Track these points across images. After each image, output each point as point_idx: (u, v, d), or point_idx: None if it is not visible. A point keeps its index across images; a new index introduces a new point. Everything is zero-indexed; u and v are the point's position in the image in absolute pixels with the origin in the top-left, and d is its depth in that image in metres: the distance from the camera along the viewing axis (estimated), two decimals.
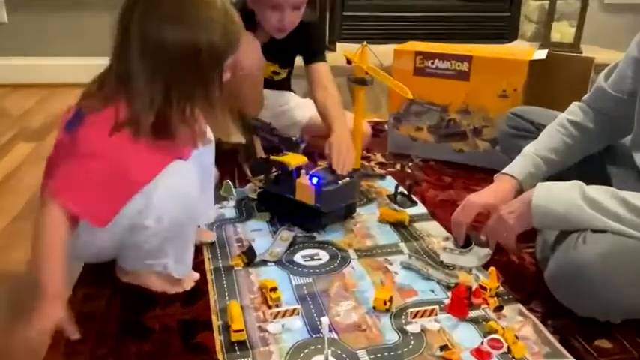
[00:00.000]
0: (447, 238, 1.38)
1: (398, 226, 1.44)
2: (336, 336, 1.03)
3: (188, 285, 1.14)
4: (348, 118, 1.65)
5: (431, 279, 1.20)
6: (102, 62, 0.97)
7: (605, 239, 1.02)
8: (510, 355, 0.99)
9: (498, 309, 1.11)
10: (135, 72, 0.90)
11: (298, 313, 1.07)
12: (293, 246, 1.33)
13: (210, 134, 1.10)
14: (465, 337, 1.03)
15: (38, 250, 0.87)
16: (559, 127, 1.32)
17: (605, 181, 1.26)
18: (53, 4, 2.69)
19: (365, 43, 1.56)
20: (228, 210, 1.51)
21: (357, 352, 0.99)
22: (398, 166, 1.87)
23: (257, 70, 1.63)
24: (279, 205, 1.46)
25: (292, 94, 1.98)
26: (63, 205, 0.89)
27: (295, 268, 1.24)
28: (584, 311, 1.07)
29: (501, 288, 1.16)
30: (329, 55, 1.78)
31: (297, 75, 1.96)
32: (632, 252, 1.01)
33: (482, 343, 1.00)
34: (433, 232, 1.42)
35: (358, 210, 1.51)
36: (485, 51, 1.82)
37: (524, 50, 2.07)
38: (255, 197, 1.55)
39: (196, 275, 1.16)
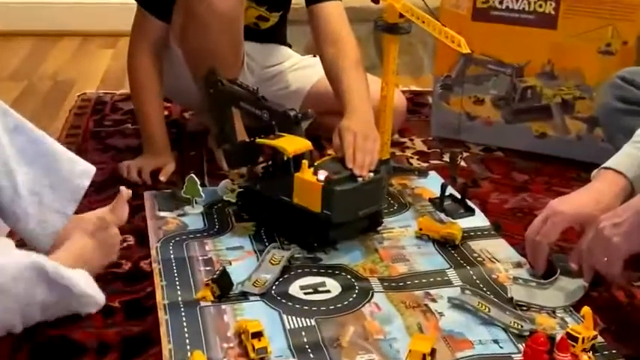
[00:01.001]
0: (518, 264, 1.38)
1: (445, 244, 1.44)
2: None
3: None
4: (373, 85, 1.64)
5: (494, 324, 1.20)
6: None
7: None
8: None
9: None
10: None
11: None
12: (288, 272, 1.33)
13: None
14: None
15: None
16: None
17: None
18: None
19: None
20: (193, 218, 1.51)
21: None
22: (446, 157, 1.86)
23: (232, 11, 1.62)
24: (268, 212, 1.46)
25: (288, 49, 1.99)
26: None
27: (291, 304, 1.24)
28: None
29: (600, 338, 1.16)
30: None
31: (294, 20, 1.96)
32: None
33: None
34: (498, 254, 1.41)
35: (386, 220, 1.51)
36: None
37: None
38: (234, 200, 1.56)
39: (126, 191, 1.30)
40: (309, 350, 1.13)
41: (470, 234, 1.48)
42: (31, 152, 1.21)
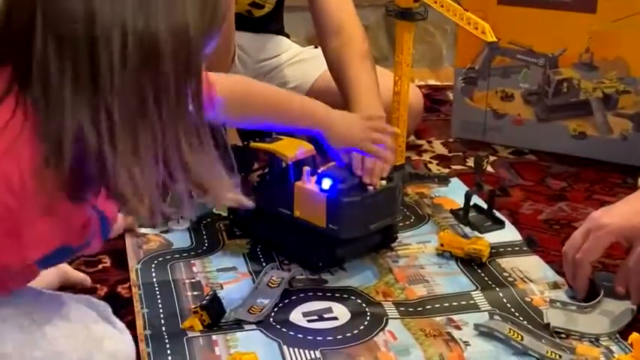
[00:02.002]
0: (555, 285, 1.38)
1: (470, 262, 1.44)
2: None
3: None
4: (384, 79, 1.65)
5: (528, 354, 1.20)
6: None
7: None
8: None
9: None
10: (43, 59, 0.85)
11: None
12: (289, 296, 1.33)
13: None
14: None
15: None
16: None
17: None
18: None
19: None
20: (178, 235, 1.52)
21: None
22: (470, 162, 1.87)
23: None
24: (265, 227, 1.47)
25: (285, 39, 2.00)
26: None
27: (292, 334, 1.24)
28: None
29: None
30: None
31: (293, 7, 1.96)
32: None
33: None
34: (532, 273, 1.42)
35: (401, 235, 1.51)
36: None
37: None
38: (225, 213, 1.56)
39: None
40: None
41: (499, 250, 1.48)
42: None
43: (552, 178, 1.83)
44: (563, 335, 1.24)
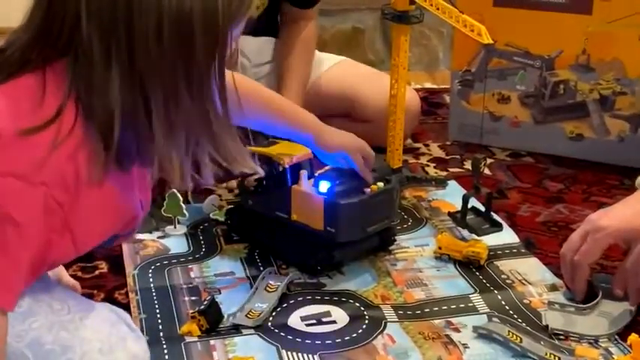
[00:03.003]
0: (554, 287, 1.38)
1: (469, 265, 1.44)
2: None
3: None
4: (381, 82, 1.65)
5: (527, 356, 1.20)
6: None
7: None
8: None
9: None
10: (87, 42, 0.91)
11: None
12: (287, 300, 1.33)
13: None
14: None
15: None
16: None
17: None
18: None
19: None
20: (175, 240, 1.52)
21: None
22: (467, 165, 1.87)
23: None
24: (262, 232, 1.47)
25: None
26: None
27: (291, 337, 1.24)
28: None
29: None
30: None
31: None
32: None
33: None
34: (530, 275, 1.42)
35: (399, 238, 1.51)
36: None
37: None
38: (222, 218, 1.56)
39: None
40: None
41: (497, 253, 1.48)
42: None
43: (550, 180, 1.83)
44: (562, 337, 1.24)
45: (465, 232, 1.53)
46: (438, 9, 1.50)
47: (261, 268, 1.41)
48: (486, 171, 1.82)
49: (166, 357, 1.18)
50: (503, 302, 1.34)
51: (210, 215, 1.59)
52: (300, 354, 1.20)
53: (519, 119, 1.96)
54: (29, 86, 0.90)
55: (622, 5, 1.78)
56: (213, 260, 1.45)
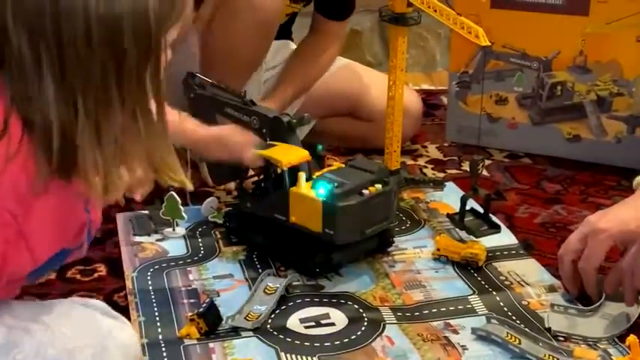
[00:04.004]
0: (552, 288, 1.38)
1: (467, 267, 1.44)
2: None
3: None
4: (380, 83, 1.65)
5: (526, 357, 1.20)
6: None
7: None
8: None
9: None
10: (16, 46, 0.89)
11: None
12: (285, 303, 1.33)
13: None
14: None
15: None
16: None
17: None
18: None
19: None
20: (174, 243, 1.52)
21: None
22: (465, 166, 1.87)
23: (274, 8, 1.64)
24: (260, 234, 1.47)
25: (291, 43, 1.99)
26: None
27: (289, 340, 1.24)
28: None
29: None
30: None
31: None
32: None
33: None
34: (529, 277, 1.42)
35: (398, 240, 1.51)
36: None
37: None
38: (220, 221, 1.56)
39: None
40: None
41: (495, 254, 1.48)
42: None
43: (547, 181, 1.83)
44: (560, 338, 1.24)
45: (464, 234, 1.53)
46: (435, 11, 1.50)
47: (260, 271, 1.41)
48: (484, 172, 1.81)
49: None
50: (501, 303, 1.34)
51: (209, 218, 1.59)
52: (299, 356, 1.20)
53: (517, 120, 1.96)
54: None
55: (619, 7, 1.78)
56: (212, 263, 1.45)
